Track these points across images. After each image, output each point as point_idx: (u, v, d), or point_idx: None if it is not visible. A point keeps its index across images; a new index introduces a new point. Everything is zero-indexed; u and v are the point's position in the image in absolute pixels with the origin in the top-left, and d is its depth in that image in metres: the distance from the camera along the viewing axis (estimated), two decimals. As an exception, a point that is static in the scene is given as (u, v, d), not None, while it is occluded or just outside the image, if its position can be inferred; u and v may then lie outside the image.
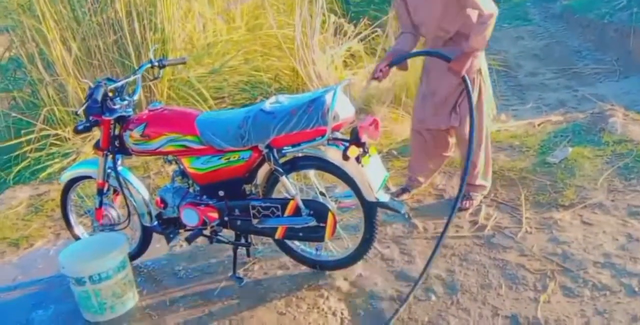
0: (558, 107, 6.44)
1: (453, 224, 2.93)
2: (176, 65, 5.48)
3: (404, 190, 3.34)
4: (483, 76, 2.97)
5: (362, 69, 6.45)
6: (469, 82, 2.71)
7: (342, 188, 2.78)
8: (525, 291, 2.36)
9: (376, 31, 6.65)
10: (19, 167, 4.88)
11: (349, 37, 6.68)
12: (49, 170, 4.73)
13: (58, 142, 5.15)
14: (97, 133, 2.95)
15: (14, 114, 5.26)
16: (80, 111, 2.69)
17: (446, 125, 3.04)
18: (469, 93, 2.69)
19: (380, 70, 2.86)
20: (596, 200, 2.96)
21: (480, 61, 2.92)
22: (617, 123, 3.62)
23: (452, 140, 3.18)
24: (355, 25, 6.86)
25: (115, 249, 2.60)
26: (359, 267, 2.68)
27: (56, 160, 4.88)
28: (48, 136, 5.20)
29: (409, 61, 2.99)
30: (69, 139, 5.32)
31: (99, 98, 2.59)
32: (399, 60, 2.86)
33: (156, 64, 2.93)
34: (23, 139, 5.10)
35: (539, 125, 4.16)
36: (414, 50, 3.03)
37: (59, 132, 5.29)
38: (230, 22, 7.62)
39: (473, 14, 2.75)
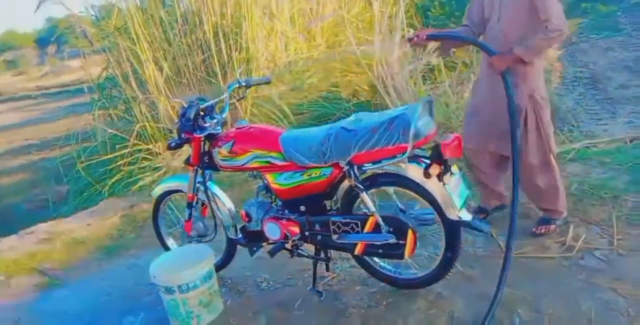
0: (650, 121, 6.10)
1: (539, 244, 2.85)
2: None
3: (483, 210, 3.27)
4: (539, 99, 2.83)
5: (442, 83, 6.41)
6: (509, 81, 2.63)
7: (420, 205, 2.79)
8: (617, 317, 2.26)
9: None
10: (112, 180, 5.19)
11: (428, 51, 6.66)
12: (141, 183, 5.01)
13: (149, 157, 5.45)
14: (186, 148, 3.11)
15: (110, 130, 5.60)
16: (174, 128, 2.85)
17: (494, 150, 2.99)
18: (509, 92, 2.61)
19: (417, 36, 2.86)
20: (694, 221, 2.80)
21: (538, 84, 2.83)
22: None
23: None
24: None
25: (203, 260, 2.73)
26: (438, 286, 2.65)
27: (147, 173, 5.17)
28: (140, 151, 5.51)
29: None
30: (159, 153, 5.61)
31: (192, 116, 2.74)
32: (439, 35, 2.88)
33: (243, 84, 3.06)
34: (117, 153, 5.44)
35: (630, 141, 3.97)
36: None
37: (150, 147, 5.59)
38: (311, 40, 7.81)
39: (540, 22, 2.64)
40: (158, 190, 3.17)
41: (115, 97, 6.65)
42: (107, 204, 4.70)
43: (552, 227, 2.99)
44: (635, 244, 2.70)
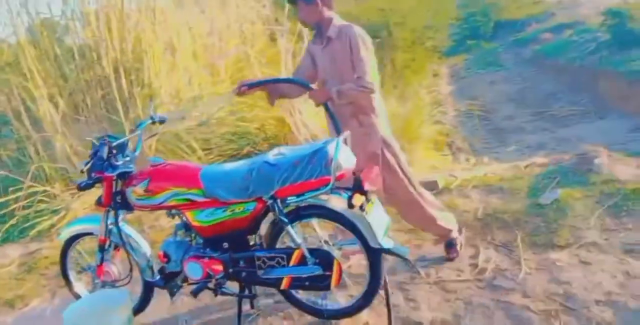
0: (538, 149, 6.63)
1: (454, 268, 2.98)
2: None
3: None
4: (391, 142, 3.00)
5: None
6: (332, 110, 2.86)
7: (343, 236, 2.83)
8: (532, 332, 2.40)
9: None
10: (7, 226, 4.82)
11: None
12: (39, 227, 4.68)
13: (46, 199, 5.12)
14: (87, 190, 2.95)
15: (1, 172, 5.22)
16: (85, 168, 2.72)
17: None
18: (333, 118, 2.84)
19: (239, 87, 3.02)
20: (590, 239, 3.04)
21: (386, 132, 3.00)
22: (603, 163, 3.76)
23: None
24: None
25: (120, 305, 2.58)
26: (365, 315, 2.68)
27: (45, 217, 4.84)
28: (36, 193, 5.16)
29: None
30: (57, 195, 5.29)
31: (105, 155, 2.63)
32: (255, 83, 3.03)
33: (157, 120, 3.00)
34: (11, 196, 5.06)
35: (525, 167, 4.28)
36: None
37: (47, 188, 5.26)
38: (215, 75, 7.78)
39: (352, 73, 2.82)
40: (66, 234, 2.99)
41: (5, 136, 6.24)
42: (2, 251, 4.34)
43: (458, 246, 3.14)
44: (539, 262, 2.89)
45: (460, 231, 3.21)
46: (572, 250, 2.95)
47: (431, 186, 3.98)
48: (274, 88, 3.11)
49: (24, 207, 5.03)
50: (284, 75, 6.04)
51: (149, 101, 6.22)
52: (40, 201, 5.08)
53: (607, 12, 9.38)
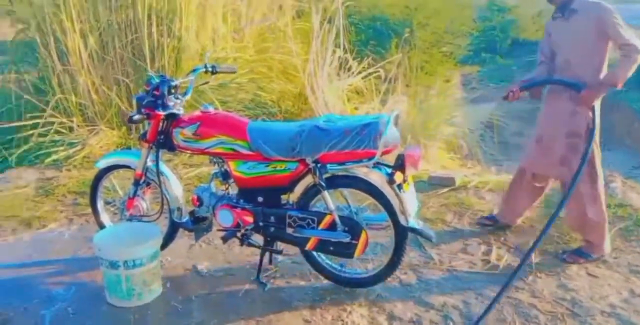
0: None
1: (467, 260, 3.11)
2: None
3: (490, 218, 3.50)
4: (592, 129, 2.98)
5: (364, 104, 6.70)
6: (597, 113, 2.91)
7: (370, 211, 2.93)
8: (538, 329, 2.54)
9: (378, 71, 6.89)
10: (21, 150, 4.85)
11: (353, 73, 6.92)
12: (54, 156, 4.73)
13: (63, 131, 5.15)
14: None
15: (26, 96, 5.22)
16: (135, 100, 2.79)
17: (556, 176, 3.19)
18: (593, 127, 2.90)
19: (512, 91, 3.07)
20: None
21: (592, 115, 2.97)
22: (618, 188, 3.91)
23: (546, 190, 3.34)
24: (359, 63, 7.07)
25: (152, 239, 2.67)
26: (378, 288, 2.80)
27: (61, 148, 4.88)
28: (52, 123, 5.19)
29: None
30: (73, 128, 5.32)
31: (166, 92, 2.71)
32: (528, 85, 3.08)
33: (210, 69, 3.07)
34: (28, 122, 5.09)
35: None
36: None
37: (65, 120, 5.29)
38: (239, 40, 7.80)
39: (608, 46, 2.90)
40: (104, 162, 3.05)
41: (29, 62, 6.22)
42: (17, 173, 4.39)
43: (582, 260, 3.10)
44: (549, 268, 3.02)
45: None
46: (581, 263, 3.08)
47: (448, 182, 4.11)
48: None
49: (39, 135, 5.07)
50: (313, 51, 6.12)
51: (175, 52, 6.28)
52: (57, 132, 5.12)
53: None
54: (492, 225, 3.47)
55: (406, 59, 9.49)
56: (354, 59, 7.02)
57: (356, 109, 6.61)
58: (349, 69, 6.99)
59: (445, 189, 4.05)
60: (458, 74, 12.78)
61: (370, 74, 6.83)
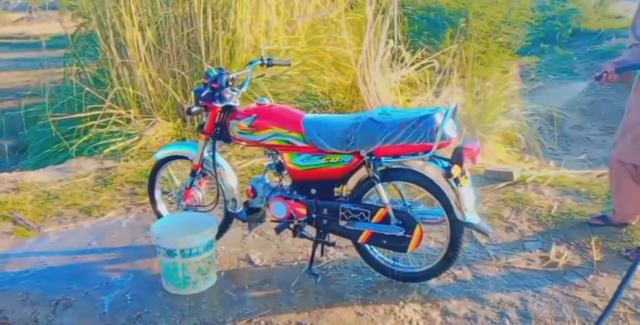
0: (601, 162, 6.51)
1: (524, 257, 3.02)
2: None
3: (601, 218, 3.32)
4: None
5: (417, 96, 6.61)
6: None
7: (423, 205, 2.89)
8: (598, 329, 2.45)
9: (432, 62, 6.78)
10: (81, 140, 5.01)
11: (406, 64, 6.83)
12: (113, 147, 4.87)
13: (121, 122, 5.29)
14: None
15: (87, 88, 5.39)
16: (193, 93, 2.84)
17: None
18: None
19: (605, 72, 2.90)
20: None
21: None
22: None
23: None
24: (412, 54, 6.97)
25: (207, 228, 2.72)
26: (432, 283, 2.76)
27: (119, 139, 5.02)
28: (111, 115, 5.34)
29: None
30: (130, 120, 5.46)
31: (224, 84, 2.74)
32: (625, 67, 2.89)
33: (266, 61, 3.08)
34: (88, 114, 5.25)
35: (598, 176, 4.26)
36: None
37: (122, 112, 5.43)
38: (291, 33, 7.83)
39: None
40: (162, 153, 3.11)
41: (89, 55, 6.43)
42: (77, 163, 4.55)
43: None
44: (613, 266, 2.90)
45: None
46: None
47: (506, 177, 4.01)
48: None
49: (98, 126, 5.23)
50: (365, 42, 6.06)
51: (229, 45, 6.36)
52: (115, 123, 5.27)
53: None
54: (603, 226, 3.27)
55: (461, 50, 9.33)
56: (407, 50, 6.93)
57: (409, 101, 6.53)
58: (402, 61, 6.90)
59: (503, 184, 3.94)
60: (515, 65, 12.46)
61: (423, 65, 6.72)
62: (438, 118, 2.46)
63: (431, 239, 3.01)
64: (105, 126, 5.24)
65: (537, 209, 3.56)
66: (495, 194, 3.81)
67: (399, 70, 6.71)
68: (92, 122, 5.22)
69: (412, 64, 6.84)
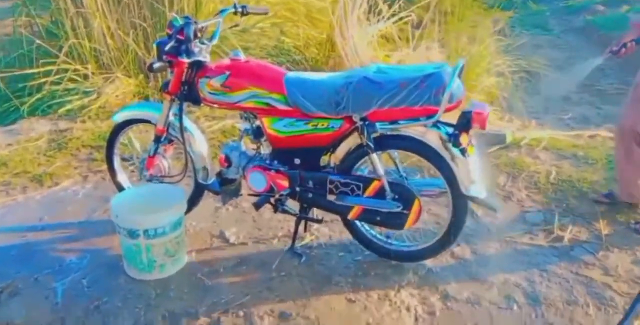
0: (582, 121, 6.34)
1: (526, 230, 2.76)
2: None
3: (608, 195, 3.01)
4: None
5: (395, 51, 6.24)
6: None
7: (420, 175, 2.59)
8: (615, 314, 2.21)
9: (410, 15, 6.41)
10: (33, 99, 4.54)
11: (383, 17, 6.42)
12: (68, 106, 4.43)
13: (78, 78, 4.81)
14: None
15: (38, 41, 4.86)
16: (156, 46, 2.43)
17: None
18: None
19: (624, 45, 2.66)
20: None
21: None
22: None
23: None
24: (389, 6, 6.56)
25: (175, 204, 2.37)
26: (428, 262, 2.48)
27: (75, 97, 4.56)
28: (66, 70, 4.85)
29: None
30: (87, 76, 4.98)
31: (192, 36, 2.33)
32: None
33: (240, 10, 2.67)
34: (41, 69, 4.75)
35: (589, 137, 4.03)
36: None
37: (78, 67, 4.94)
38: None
39: None
40: (121, 116, 2.71)
41: (41, 5, 5.83)
42: (29, 124, 4.09)
43: None
44: (622, 241, 2.67)
45: None
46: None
47: (499, 139, 3.72)
48: None
49: (52, 83, 4.75)
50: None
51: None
52: (71, 80, 4.79)
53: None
54: (609, 204, 2.98)
55: (437, 3, 8.93)
56: (384, 2, 6.51)
57: (388, 56, 6.15)
58: (379, 13, 6.48)
59: (495, 147, 3.66)
60: (489, 20, 12.12)
61: (401, 18, 6.33)
62: (445, 77, 2.12)
63: (429, 213, 2.71)
64: (60, 83, 4.75)
65: (535, 175, 3.29)
66: (488, 159, 3.52)
67: (376, 23, 6.30)
68: (45, 79, 4.72)
69: (389, 17, 6.43)
